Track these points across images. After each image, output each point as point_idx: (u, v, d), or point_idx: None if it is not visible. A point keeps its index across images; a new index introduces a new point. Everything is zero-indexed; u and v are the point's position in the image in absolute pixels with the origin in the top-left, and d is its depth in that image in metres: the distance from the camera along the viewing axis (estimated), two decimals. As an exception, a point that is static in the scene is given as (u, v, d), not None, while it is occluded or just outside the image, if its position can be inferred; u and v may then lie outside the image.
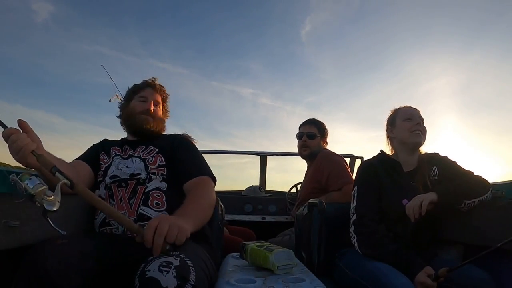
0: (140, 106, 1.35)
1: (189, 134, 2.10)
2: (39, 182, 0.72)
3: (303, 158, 2.14)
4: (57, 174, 0.79)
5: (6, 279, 0.86)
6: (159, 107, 1.40)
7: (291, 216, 2.48)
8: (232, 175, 3.29)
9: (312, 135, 2.06)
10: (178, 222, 0.84)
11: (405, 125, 1.37)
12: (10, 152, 0.82)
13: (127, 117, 1.36)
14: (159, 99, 1.41)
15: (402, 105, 1.46)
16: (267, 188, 3.29)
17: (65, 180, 0.78)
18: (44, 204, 0.71)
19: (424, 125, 1.38)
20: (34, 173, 0.79)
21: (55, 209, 0.72)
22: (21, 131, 0.85)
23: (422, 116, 1.41)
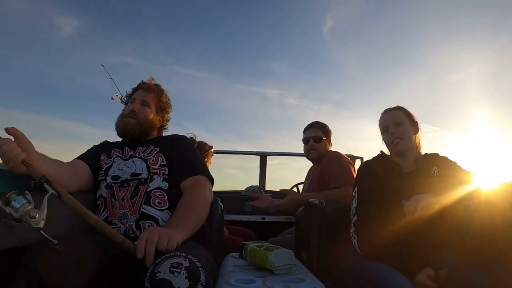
0: (127, 109, 1.36)
1: (193, 135, 2.10)
2: (25, 201, 0.76)
3: (311, 161, 2.17)
4: (45, 185, 0.84)
5: (5, 278, 0.86)
6: (148, 106, 1.37)
7: (291, 216, 2.48)
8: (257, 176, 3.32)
9: (318, 138, 2.08)
10: (168, 231, 0.87)
11: (384, 138, 1.39)
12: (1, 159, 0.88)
13: (116, 121, 1.37)
14: (149, 98, 1.38)
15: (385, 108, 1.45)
16: (267, 188, 3.29)
17: (53, 191, 0.83)
18: (31, 224, 0.76)
19: (405, 126, 1.35)
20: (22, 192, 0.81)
21: (40, 226, 0.76)
22: (13, 139, 0.90)
23: (413, 112, 1.39)
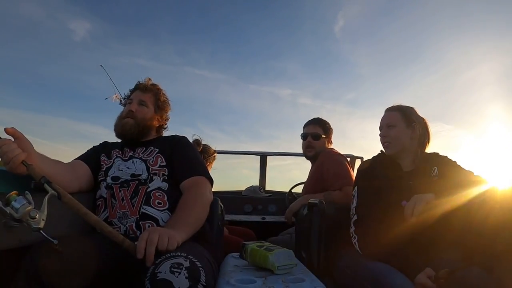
0: (125, 110, 1.36)
1: (199, 137, 2.08)
2: (25, 202, 0.76)
3: (308, 159, 2.09)
4: (46, 185, 0.84)
5: (5, 279, 0.86)
6: (145, 105, 1.37)
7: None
8: (275, 177, 3.30)
9: (316, 136, 2.01)
10: (168, 231, 0.87)
11: (380, 138, 1.40)
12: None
13: (115, 122, 1.37)
14: (147, 98, 1.38)
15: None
16: (267, 188, 3.29)
17: (53, 192, 0.83)
18: (31, 224, 0.76)
19: (396, 127, 1.34)
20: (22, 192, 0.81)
21: (40, 226, 0.76)
22: (13, 139, 0.90)
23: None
